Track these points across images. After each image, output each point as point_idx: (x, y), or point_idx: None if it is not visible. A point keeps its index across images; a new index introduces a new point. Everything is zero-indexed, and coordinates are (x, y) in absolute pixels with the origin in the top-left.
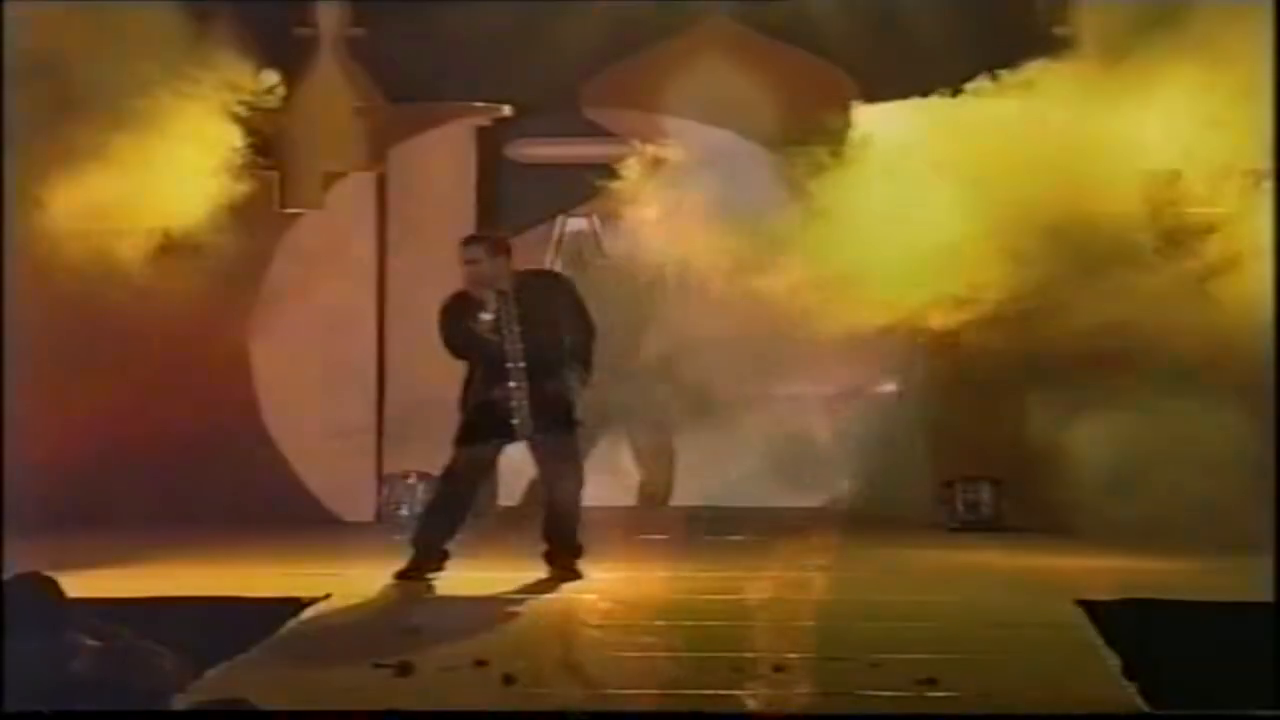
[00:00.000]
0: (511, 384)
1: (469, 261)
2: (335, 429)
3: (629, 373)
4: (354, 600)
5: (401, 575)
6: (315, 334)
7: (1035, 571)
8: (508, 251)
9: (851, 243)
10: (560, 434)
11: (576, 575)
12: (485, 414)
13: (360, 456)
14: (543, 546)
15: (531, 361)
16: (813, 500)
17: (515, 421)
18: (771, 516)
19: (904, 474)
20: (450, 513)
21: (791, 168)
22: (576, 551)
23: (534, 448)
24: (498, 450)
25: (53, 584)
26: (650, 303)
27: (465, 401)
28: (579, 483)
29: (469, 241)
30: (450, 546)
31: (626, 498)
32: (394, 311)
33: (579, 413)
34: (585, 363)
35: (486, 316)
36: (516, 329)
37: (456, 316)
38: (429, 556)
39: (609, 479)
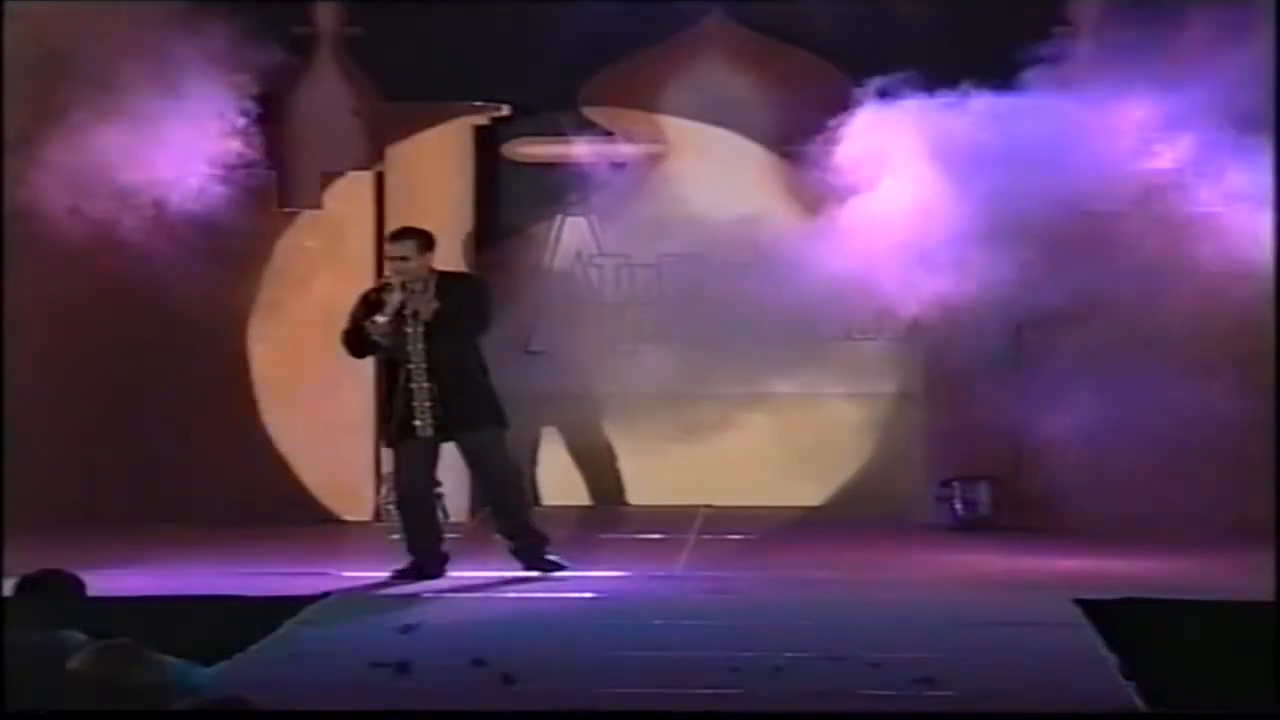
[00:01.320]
0: (413, 385)
1: (399, 257)
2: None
3: (622, 368)
4: (352, 599)
5: (398, 574)
6: (314, 333)
7: (1033, 570)
8: (433, 249)
9: (848, 240)
10: (477, 434)
11: (555, 565)
12: (394, 416)
13: (358, 455)
14: (507, 544)
15: (435, 362)
16: (810, 499)
17: (417, 423)
18: (768, 516)
19: (901, 473)
20: (416, 516)
21: (788, 166)
22: (541, 541)
23: (461, 450)
24: (423, 450)
25: (77, 582)
26: (647, 300)
27: (379, 401)
28: (515, 476)
29: (400, 236)
30: (446, 549)
31: (629, 496)
32: None
33: (506, 415)
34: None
35: (380, 319)
36: (420, 330)
37: (359, 317)
38: (425, 560)
39: (610, 475)
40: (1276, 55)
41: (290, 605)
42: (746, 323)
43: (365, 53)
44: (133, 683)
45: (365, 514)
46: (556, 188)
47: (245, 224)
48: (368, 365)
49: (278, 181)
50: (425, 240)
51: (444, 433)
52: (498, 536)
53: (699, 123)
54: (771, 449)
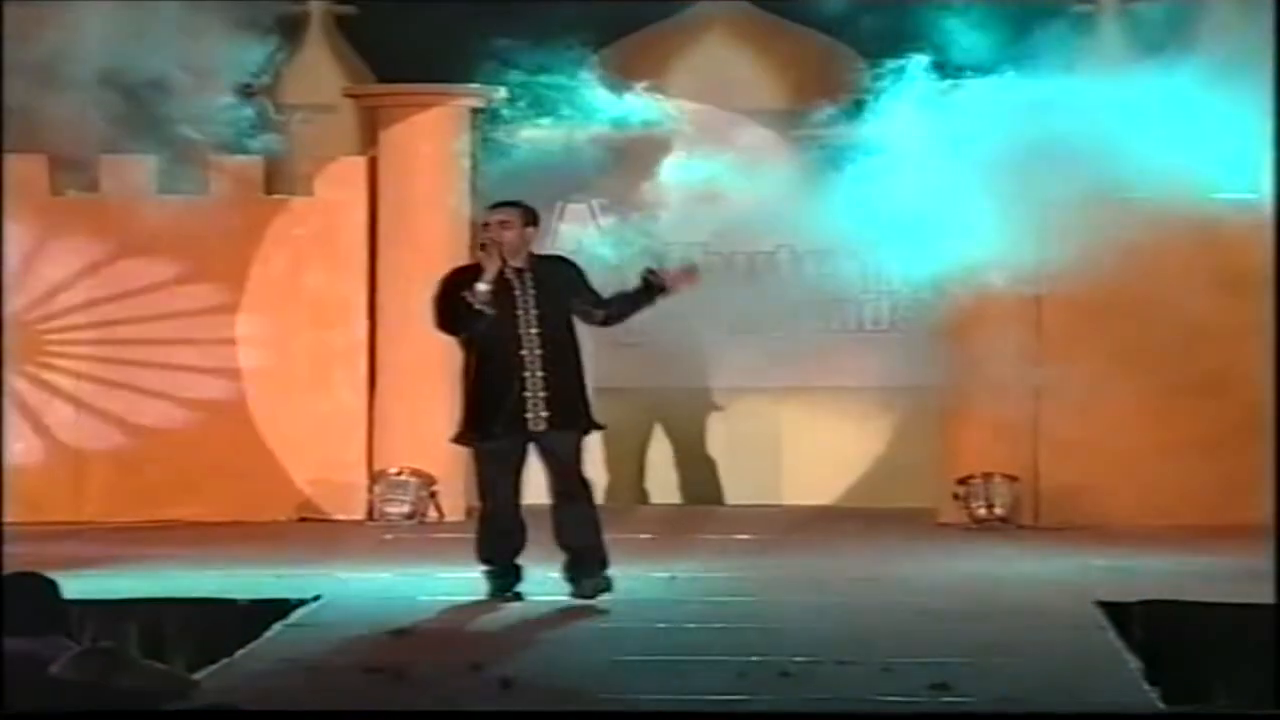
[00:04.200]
0: (525, 373)
1: (502, 224)
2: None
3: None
4: (344, 602)
5: (492, 596)
6: (304, 324)
7: (1053, 571)
8: (536, 226)
9: (862, 230)
10: (577, 432)
11: (607, 587)
12: (492, 406)
13: (351, 451)
14: (562, 558)
15: (549, 350)
16: (821, 497)
17: (529, 416)
18: (777, 514)
19: (917, 470)
20: (504, 520)
21: (799, 148)
22: (604, 562)
23: (543, 446)
24: (524, 446)
25: (51, 585)
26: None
27: (468, 393)
28: (590, 484)
29: (501, 205)
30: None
31: (632, 495)
32: (385, 300)
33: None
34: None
35: (483, 286)
36: (534, 312)
37: (453, 289)
38: (504, 569)
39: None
40: (1276, 55)
41: (280, 608)
42: (755, 315)
43: (358, 32)
44: (116, 688)
45: (358, 513)
46: (557, 173)
47: (233, 210)
48: (359, 359)
49: (266, 166)
50: (529, 214)
51: (554, 427)
52: (560, 548)
53: (704, 103)
54: (781, 445)
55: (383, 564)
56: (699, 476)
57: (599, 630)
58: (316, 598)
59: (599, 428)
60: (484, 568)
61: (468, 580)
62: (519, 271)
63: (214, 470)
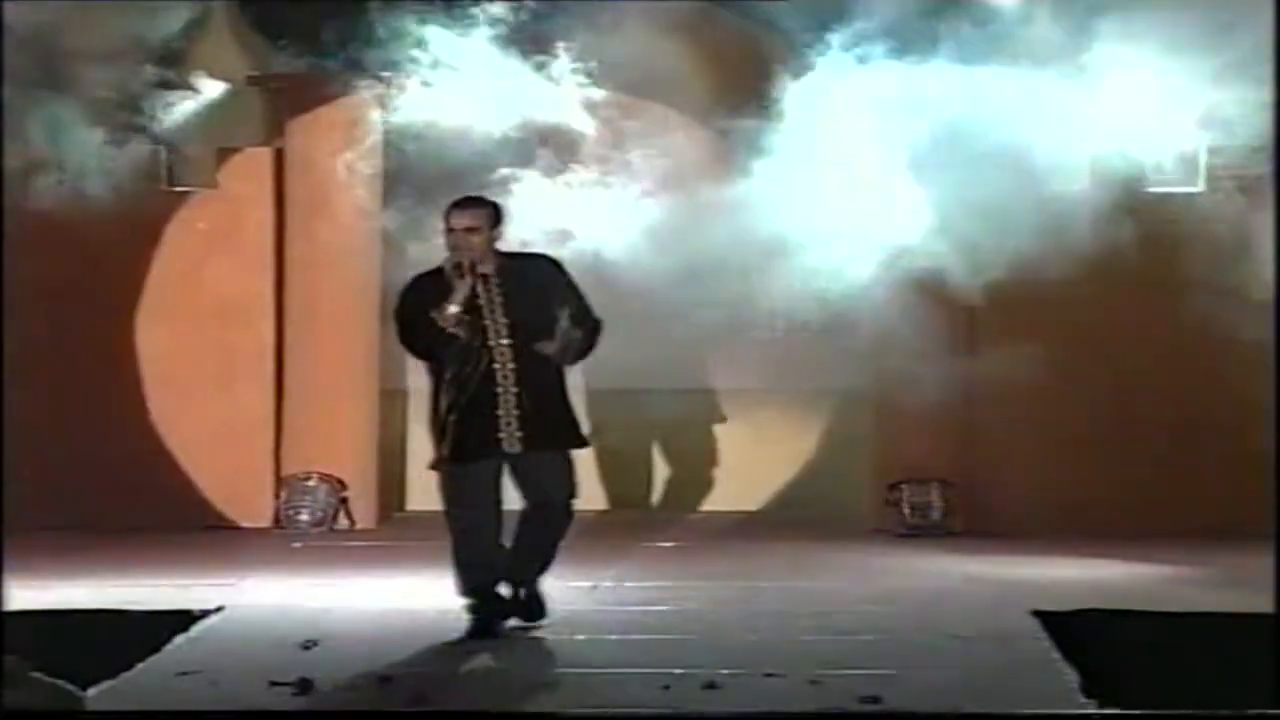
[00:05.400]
0: (498, 390)
1: (467, 229)
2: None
3: None
4: (248, 612)
5: (472, 635)
6: (208, 323)
7: (988, 579)
8: (503, 224)
9: (788, 226)
10: (556, 452)
11: (536, 624)
12: (463, 427)
13: (257, 455)
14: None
15: (522, 361)
16: (747, 504)
17: (501, 436)
18: (702, 521)
19: (846, 476)
20: (481, 546)
21: (723, 143)
22: (541, 601)
23: (517, 470)
24: (498, 468)
25: None
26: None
27: (436, 410)
28: (568, 515)
29: (465, 204)
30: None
31: None
32: (293, 298)
33: (584, 428)
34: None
35: (453, 308)
36: (504, 322)
37: (418, 306)
38: (484, 601)
39: None
40: (1277, 54)
41: (180, 619)
42: (678, 313)
43: (263, 18)
44: (9, 705)
45: (265, 520)
46: (472, 164)
47: (132, 204)
48: (266, 358)
49: (167, 157)
50: (495, 213)
51: (529, 447)
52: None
53: (626, 94)
54: (706, 450)
55: (290, 573)
56: (622, 481)
57: (516, 642)
58: (220, 608)
59: (583, 444)
60: (464, 601)
61: (379, 590)
62: (484, 278)
63: (115, 475)
